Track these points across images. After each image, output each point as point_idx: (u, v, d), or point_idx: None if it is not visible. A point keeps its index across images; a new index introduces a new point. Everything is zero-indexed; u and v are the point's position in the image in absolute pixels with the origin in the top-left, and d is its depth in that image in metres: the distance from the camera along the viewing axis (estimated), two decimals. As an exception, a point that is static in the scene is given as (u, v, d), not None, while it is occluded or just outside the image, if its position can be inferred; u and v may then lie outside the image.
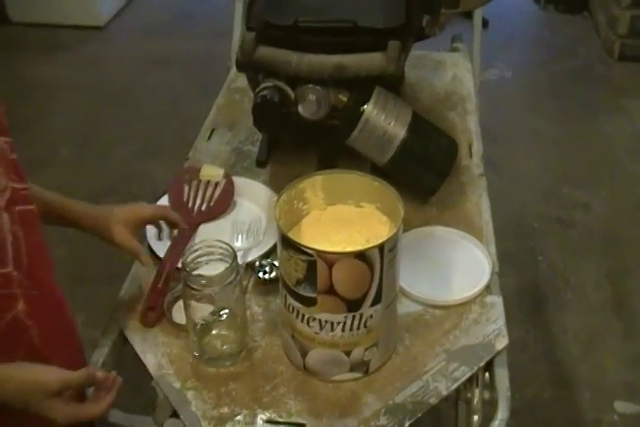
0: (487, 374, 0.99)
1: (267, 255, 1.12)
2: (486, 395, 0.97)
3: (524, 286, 2.21)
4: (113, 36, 3.66)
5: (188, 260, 0.93)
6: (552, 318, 2.13)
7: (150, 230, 1.17)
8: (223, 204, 1.24)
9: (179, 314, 1.03)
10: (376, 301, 0.89)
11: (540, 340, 2.06)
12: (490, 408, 0.96)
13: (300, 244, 0.84)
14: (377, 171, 1.15)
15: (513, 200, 2.50)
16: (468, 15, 1.85)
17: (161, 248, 1.14)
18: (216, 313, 0.95)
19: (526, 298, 2.17)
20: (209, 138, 1.41)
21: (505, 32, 3.51)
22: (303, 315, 0.90)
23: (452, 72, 1.61)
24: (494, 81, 3.10)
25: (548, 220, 2.48)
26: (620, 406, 1.87)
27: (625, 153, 2.80)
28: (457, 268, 1.13)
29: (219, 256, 0.94)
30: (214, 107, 1.51)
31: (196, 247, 0.94)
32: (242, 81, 1.55)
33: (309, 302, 0.88)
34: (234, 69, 1.59)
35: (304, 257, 0.84)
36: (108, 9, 3.74)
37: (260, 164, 1.33)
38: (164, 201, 1.23)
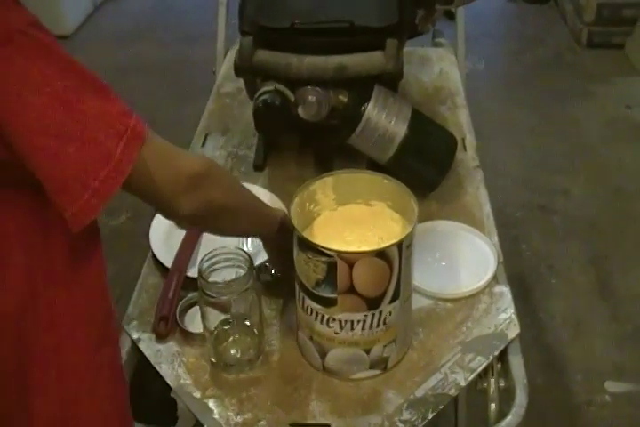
0: (500, 363, 1.01)
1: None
2: (501, 383, 0.99)
3: (510, 275, 2.18)
4: (81, 44, 3.60)
5: (204, 267, 0.93)
6: (539, 304, 2.17)
7: (155, 238, 1.17)
8: None
9: (191, 323, 1.04)
10: (395, 297, 0.91)
11: (528, 327, 2.09)
12: (504, 396, 0.98)
13: (320, 245, 0.85)
14: (374, 168, 1.16)
15: (494, 190, 2.51)
16: (447, 11, 1.87)
17: (167, 257, 1.14)
18: (233, 319, 0.96)
19: (513, 286, 2.18)
20: (203, 144, 1.41)
21: (475, 24, 3.53)
22: (323, 316, 0.91)
23: (438, 67, 1.63)
24: (467, 74, 3.12)
25: (529, 208, 2.52)
26: (611, 385, 1.92)
27: (598, 138, 2.85)
28: (463, 260, 1.15)
29: (235, 262, 0.94)
30: (205, 112, 1.50)
31: (212, 254, 0.94)
32: (230, 85, 1.56)
33: (329, 303, 0.90)
34: (221, 74, 1.59)
35: (324, 258, 0.85)
36: (73, 18, 3.67)
37: (258, 167, 1.33)
38: None
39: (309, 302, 0.92)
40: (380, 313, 0.91)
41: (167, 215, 0.83)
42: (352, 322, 0.90)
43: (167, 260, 1.13)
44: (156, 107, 3.06)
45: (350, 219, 0.97)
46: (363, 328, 0.91)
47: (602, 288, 2.21)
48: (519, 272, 2.28)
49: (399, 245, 0.86)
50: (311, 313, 0.92)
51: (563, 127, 2.92)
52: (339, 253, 0.85)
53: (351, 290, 0.88)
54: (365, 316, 0.90)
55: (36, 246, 0.76)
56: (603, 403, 1.88)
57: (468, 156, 1.36)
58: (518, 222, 2.46)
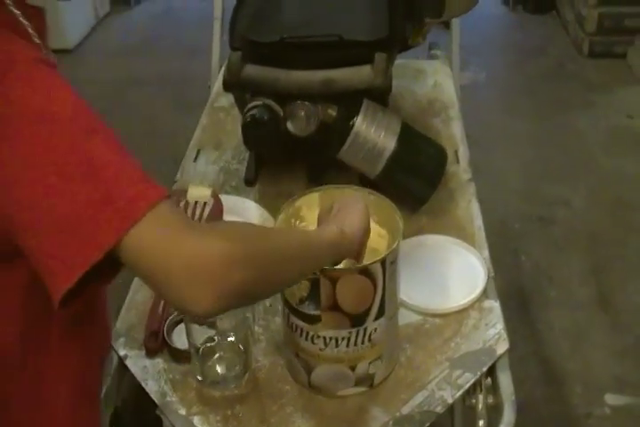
0: (489, 379, 1.00)
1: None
2: (490, 400, 0.98)
3: (509, 287, 2.23)
4: (83, 58, 3.62)
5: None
6: (538, 316, 2.16)
7: None
8: None
9: (178, 339, 1.03)
10: (379, 314, 0.90)
11: (527, 339, 2.08)
12: (493, 413, 0.98)
13: (302, 262, 0.85)
14: (365, 183, 1.16)
15: (493, 202, 2.52)
16: (443, 22, 1.87)
17: None
18: (219, 336, 0.96)
19: (512, 298, 2.19)
20: (195, 159, 1.41)
21: (475, 35, 3.55)
22: (307, 333, 0.91)
23: (432, 79, 1.63)
24: (468, 85, 3.12)
25: (529, 219, 2.52)
26: (611, 398, 1.90)
27: (599, 148, 2.85)
28: (452, 275, 1.14)
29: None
30: (199, 127, 1.51)
31: None
32: (224, 100, 1.56)
33: (313, 320, 0.89)
34: (215, 89, 1.60)
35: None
36: (75, 31, 3.70)
37: (249, 182, 1.33)
38: None
39: (294, 319, 0.91)
40: (365, 330, 0.90)
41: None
42: (336, 339, 0.90)
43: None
44: (155, 119, 3.07)
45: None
46: (347, 345, 0.91)
47: (602, 300, 2.20)
48: (518, 284, 2.27)
49: (382, 261, 0.86)
50: (296, 330, 0.92)
51: (564, 137, 2.92)
52: (322, 270, 0.84)
53: (335, 307, 0.87)
54: (350, 333, 0.90)
55: (34, 316, 0.75)
56: (602, 416, 1.86)
57: (460, 168, 1.36)
58: (518, 234, 2.45)
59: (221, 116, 1.53)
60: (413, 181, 1.21)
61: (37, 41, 0.74)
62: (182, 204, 1.25)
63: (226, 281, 0.62)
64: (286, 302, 0.91)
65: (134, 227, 0.62)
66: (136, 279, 1.14)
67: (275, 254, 0.71)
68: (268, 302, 1.08)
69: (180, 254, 0.61)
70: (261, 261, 0.67)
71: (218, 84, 1.62)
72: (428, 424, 0.92)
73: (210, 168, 1.39)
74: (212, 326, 0.94)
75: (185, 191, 1.27)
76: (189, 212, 1.24)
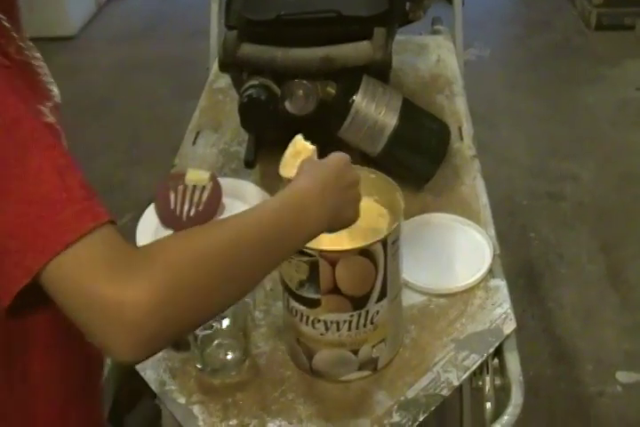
0: (497, 360, 0.98)
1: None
2: (497, 381, 0.96)
3: (518, 265, 2.21)
4: (86, 44, 3.61)
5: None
6: (548, 294, 2.14)
7: (142, 239, 1.14)
8: (212, 207, 1.21)
9: None
10: (381, 296, 0.88)
11: (537, 317, 2.06)
12: (501, 394, 0.96)
13: (300, 244, 0.83)
14: (366, 162, 1.13)
15: (500, 179, 2.49)
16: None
17: None
18: (217, 322, 0.94)
19: (521, 276, 2.17)
20: (194, 142, 1.38)
21: (480, 10, 3.50)
22: (307, 317, 0.88)
23: (435, 55, 1.59)
24: (473, 61, 3.08)
25: (537, 195, 2.48)
26: (622, 376, 1.88)
27: (608, 122, 2.80)
28: (457, 254, 1.12)
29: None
30: (197, 109, 1.48)
31: None
32: (223, 81, 1.53)
33: (313, 304, 0.87)
34: (214, 70, 1.56)
35: (305, 258, 0.83)
36: (77, 18, 3.68)
37: (249, 164, 1.30)
38: (151, 211, 1.21)
39: (294, 304, 0.89)
40: (367, 313, 0.88)
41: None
42: (338, 323, 0.88)
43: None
44: (158, 104, 3.05)
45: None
46: (349, 329, 0.88)
47: (612, 276, 2.17)
48: (527, 261, 2.24)
49: (384, 242, 0.84)
50: (296, 314, 0.90)
51: (571, 112, 2.87)
52: (320, 251, 0.82)
53: (335, 290, 0.85)
54: (351, 316, 0.87)
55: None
56: (614, 394, 1.84)
57: (464, 145, 1.33)
58: (526, 210, 2.42)
59: (220, 98, 1.50)
60: (416, 158, 1.19)
61: (7, 25, 0.70)
62: (181, 188, 1.23)
63: (140, 331, 0.56)
64: (285, 286, 0.89)
65: (55, 258, 0.56)
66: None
67: (219, 267, 0.62)
68: (268, 286, 1.05)
69: (95, 301, 0.56)
70: (194, 290, 0.59)
71: (216, 65, 1.58)
72: (433, 408, 0.90)
73: (209, 151, 1.36)
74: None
75: (183, 175, 1.25)
76: (188, 196, 1.22)
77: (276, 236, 0.67)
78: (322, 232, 0.73)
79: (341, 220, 0.76)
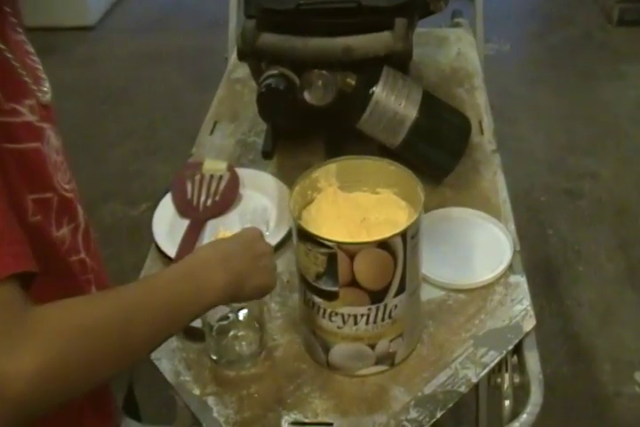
0: (516, 357, 0.96)
1: (278, 247, 1.09)
2: (516, 379, 0.95)
3: (536, 262, 2.18)
4: (104, 35, 3.61)
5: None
6: (566, 291, 2.11)
7: (159, 228, 1.13)
8: (229, 197, 1.20)
9: None
10: (400, 290, 0.86)
11: (555, 315, 2.04)
12: (520, 392, 0.94)
13: (318, 236, 0.81)
14: (385, 154, 1.11)
15: (519, 175, 2.46)
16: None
17: (170, 247, 1.10)
18: (234, 313, 0.93)
19: (539, 273, 2.15)
20: (212, 132, 1.37)
21: (500, 4, 3.46)
22: (325, 310, 0.87)
23: (456, 48, 1.57)
24: (493, 56, 3.05)
25: (555, 192, 2.46)
26: (641, 376, 1.86)
27: (628, 119, 2.77)
28: (477, 249, 1.10)
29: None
30: (215, 99, 1.46)
31: None
32: (241, 71, 1.51)
33: (331, 297, 0.85)
34: (232, 60, 1.55)
35: (323, 250, 0.81)
36: (96, 8, 3.68)
37: (267, 155, 1.29)
38: (168, 200, 1.20)
39: (311, 296, 0.88)
40: (385, 307, 0.86)
41: None
42: (355, 316, 0.86)
43: (171, 251, 1.09)
44: (176, 94, 3.04)
45: (355, 207, 0.93)
46: (367, 322, 0.87)
47: (631, 275, 2.14)
48: (545, 258, 2.22)
49: (403, 235, 0.82)
50: (313, 307, 0.88)
51: (591, 109, 2.84)
52: (339, 244, 0.80)
53: (353, 283, 0.83)
54: (369, 309, 0.86)
55: None
56: (632, 394, 1.82)
57: (484, 139, 1.31)
58: (544, 207, 2.40)
59: (238, 88, 1.49)
60: (436, 151, 1.17)
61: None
62: (198, 177, 1.22)
63: (19, 406, 0.55)
64: (302, 278, 0.88)
65: None
66: (149, 257, 1.11)
67: (106, 339, 0.61)
68: (285, 277, 1.04)
69: None
70: (79, 363, 0.58)
71: (235, 55, 1.57)
72: (451, 404, 0.89)
73: (226, 141, 1.34)
74: (228, 302, 0.90)
75: (200, 164, 1.24)
76: (205, 185, 1.21)
77: (169, 306, 0.68)
78: (225, 300, 0.76)
79: (250, 287, 0.78)
